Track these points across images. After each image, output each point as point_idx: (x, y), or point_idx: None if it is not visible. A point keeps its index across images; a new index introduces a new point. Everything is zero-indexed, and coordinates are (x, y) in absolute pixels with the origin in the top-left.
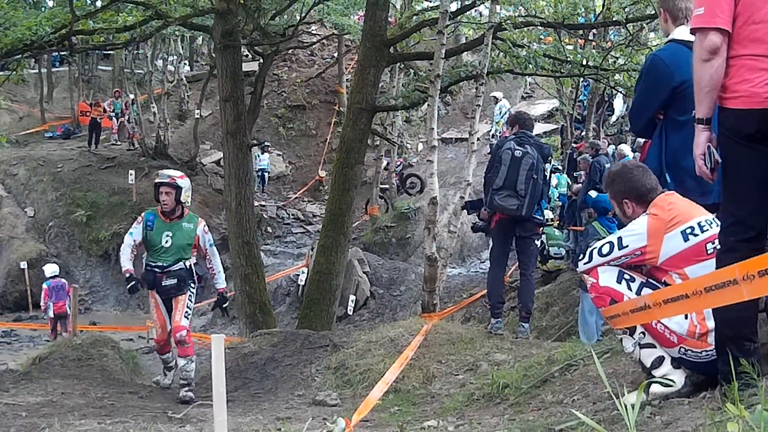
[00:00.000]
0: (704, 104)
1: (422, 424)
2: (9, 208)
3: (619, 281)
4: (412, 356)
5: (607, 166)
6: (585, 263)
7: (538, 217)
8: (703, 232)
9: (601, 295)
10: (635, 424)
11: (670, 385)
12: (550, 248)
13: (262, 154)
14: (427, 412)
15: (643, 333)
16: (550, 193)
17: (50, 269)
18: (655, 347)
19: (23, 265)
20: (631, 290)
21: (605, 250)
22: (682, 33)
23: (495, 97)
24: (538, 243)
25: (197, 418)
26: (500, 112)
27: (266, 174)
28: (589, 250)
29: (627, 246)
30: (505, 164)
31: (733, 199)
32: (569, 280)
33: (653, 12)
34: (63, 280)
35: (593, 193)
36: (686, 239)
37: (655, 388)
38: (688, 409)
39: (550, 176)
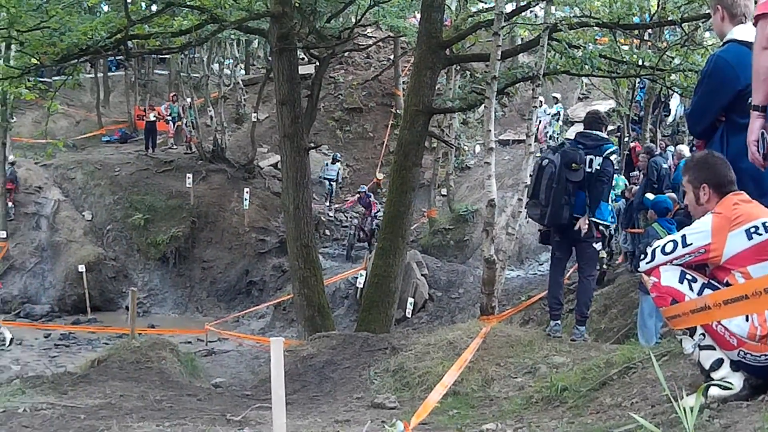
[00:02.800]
0: (761, 91)
1: (481, 427)
2: (67, 212)
3: (681, 281)
4: (470, 359)
5: (665, 166)
6: (647, 262)
7: (599, 219)
8: (767, 231)
9: (663, 295)
10: (694, 427)
11: (729, 388)
12: None
13: (333, 164)
14: (485, 415)
15: (703, 335)
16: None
17: None
18: (715, 349)
19: (81, 268)
20: (692, 291)
21: (668, 248)
22: (741, 33)
23: (555, 98)
24: (597, 246)
25: (256, 421)
26: (557, 114)
27: (333, 183)
28: (651, 248)
29: (691, 244)
30: (533, 174)
31: None
32: (628, 282)
33: (708, 11)
34: None
35: (650, 196)
36: (750, 237)
37: (714, 391)
38: (747, 412)
39: (600, 175)
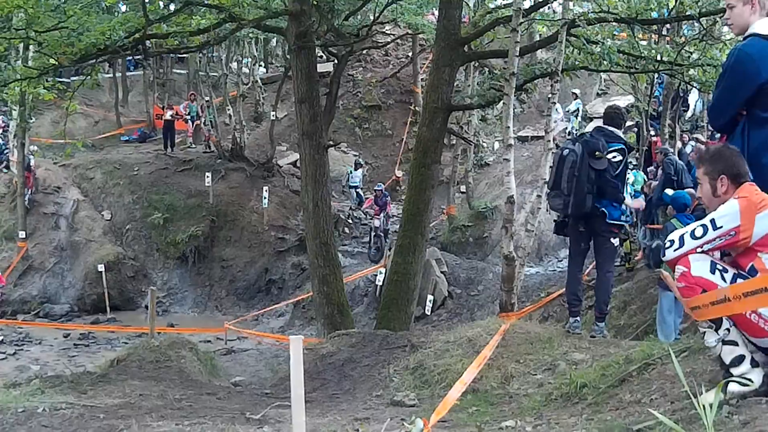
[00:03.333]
0: None
1: (500, 424)
2: (86, 212)
3: (712, 271)
4: (490, 356)
5: (680, 162)
6: (676, 249)
7: (608, 213)
8: None
9: (692, 286)
10: (713, 423)
11: (748, 385)
12: None
13: (355, 170)
14: (505, 412)
15: (728, 330)
16: (627, 188)
17: None
18: (737, 345)
19: (101, 267)
20: (725, 281)
21: (698, 232)
22: (763, 27)
23: (574, 93)
24: (615, 241)
25: (275, 419)
26: (576, 110)
27: (359, 190)
28: (679, 235)
29: (721, 227)
30: (554, 165)
31: None
32: (647, 278)
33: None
34: None
35: (669, 192)
36: None
37: (733, 387)
38: (766, 408)
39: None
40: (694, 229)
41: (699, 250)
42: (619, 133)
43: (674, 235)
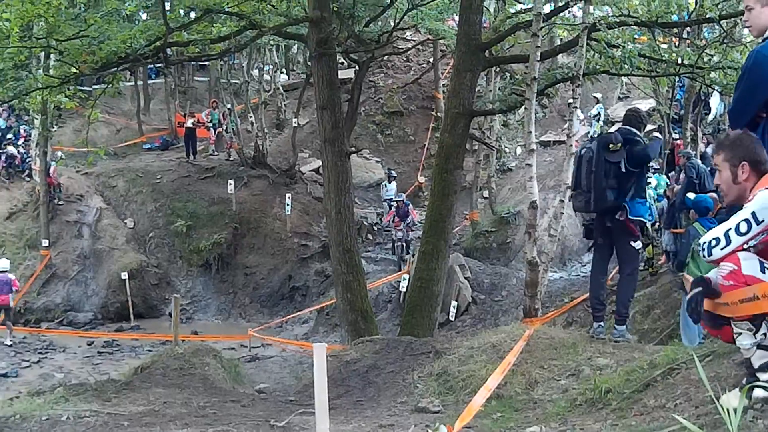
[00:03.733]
0: None
1: (525, 430)
2: (109, 220)
3: (762, 271)
4: (514, 362)
5: (702, 166)
6: (723, 248)
7: (630, 208)
8: None
9: (742, 285)
10: (737, 428)
11: None
12: None
13: (389, 183)
14: (529, 418)
15: (765, 334)
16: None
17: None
18: None
19: (124, 275)
20: None
21: (743, 228)
22: None
23: (596, 98)
24: (636, 245)
25: (300, 426)
26: (597, 114)
27: (393, 203)
28: (723, 231)
29: (763, 220)
30: (575, 166)
31: None
32: (670, 283)
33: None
34: (10, 276)
35: (691, 195)
36: None
37: (758, 393)
38: None
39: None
40: (738, 224)
41: (745, 246)
42: (638, 133)
43: (718, 233)
